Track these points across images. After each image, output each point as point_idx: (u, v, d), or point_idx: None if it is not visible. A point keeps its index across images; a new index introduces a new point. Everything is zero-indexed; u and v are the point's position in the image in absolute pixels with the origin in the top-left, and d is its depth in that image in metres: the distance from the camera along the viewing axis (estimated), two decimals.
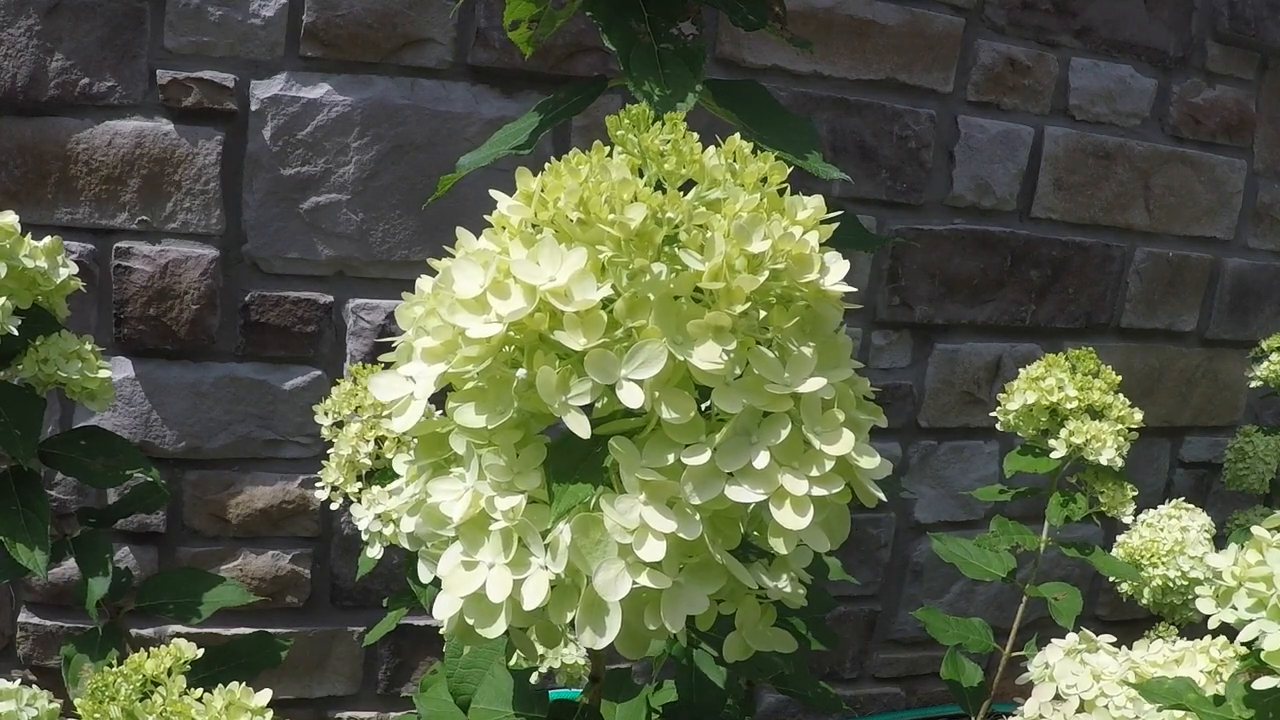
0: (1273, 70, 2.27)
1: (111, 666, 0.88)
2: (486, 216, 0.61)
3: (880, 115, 1.99)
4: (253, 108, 1.67)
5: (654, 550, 0.52)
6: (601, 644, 0.54)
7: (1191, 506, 1.61)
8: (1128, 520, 1.46)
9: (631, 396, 0.51)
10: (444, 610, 0.55)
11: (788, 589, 0.58)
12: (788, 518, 0.54)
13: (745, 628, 0.62)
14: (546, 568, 0.54)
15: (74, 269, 1.20)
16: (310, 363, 1.78)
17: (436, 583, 0.58)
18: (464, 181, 1.10)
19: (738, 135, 0.59)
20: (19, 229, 1.14)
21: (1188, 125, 2.22)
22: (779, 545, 0.55)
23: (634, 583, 0.53)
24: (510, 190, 0.63)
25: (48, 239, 1.17)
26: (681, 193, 0.55)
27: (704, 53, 1.04)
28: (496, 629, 0.54)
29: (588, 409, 0.54)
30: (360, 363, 1.37)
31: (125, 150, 1.63)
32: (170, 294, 1.68)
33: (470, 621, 0.55)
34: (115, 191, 1.64)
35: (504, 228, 0.59)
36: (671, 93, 0.99)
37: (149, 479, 1.29)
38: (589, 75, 1.57)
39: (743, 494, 0.54)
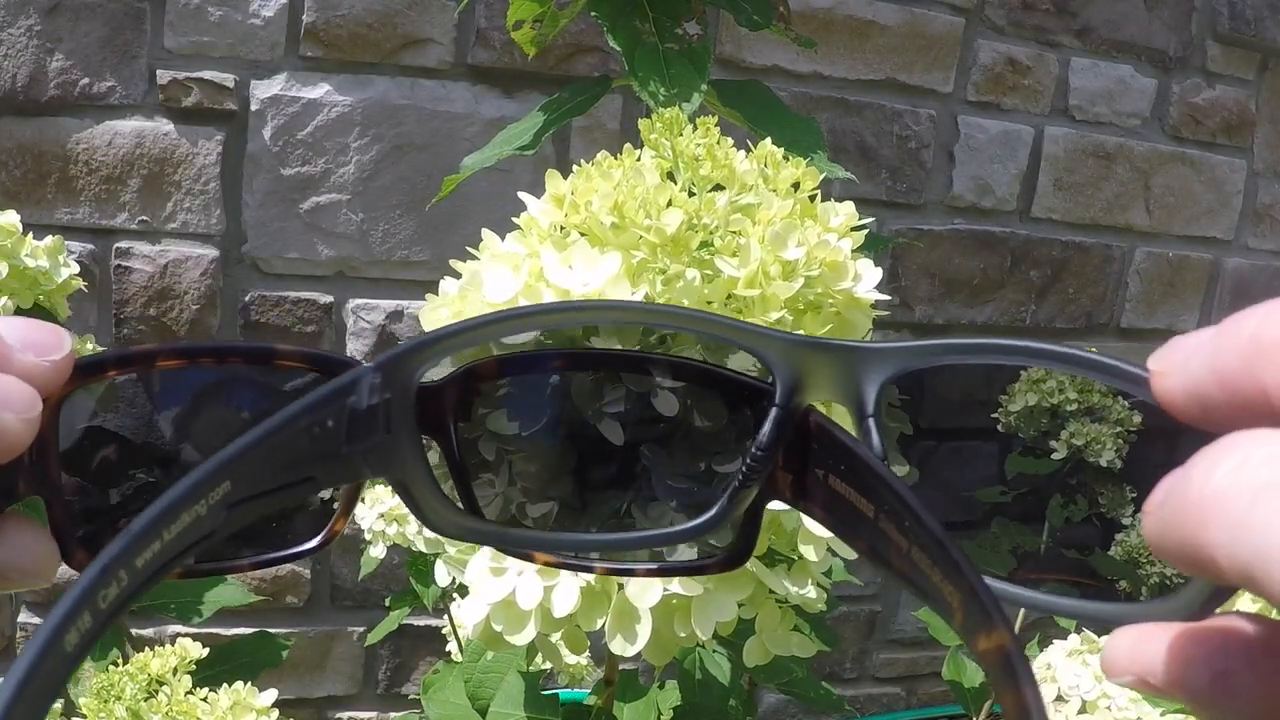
0: (1273, 70, 2.28)
1: (116, 666, 0.88)
2: (515, 219, 0.61)
3: (880, 115, 1.99)
4: (253, 108, 1.66)
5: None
6: (631, 651, 0.53)
7: None
8: (1127, 521, 1.46)
9: (666, 404, 0.51)
10: (471, 617, 0.55)
11: (812, 594, 0.58)
12: (817, 525, 0.54)
13: (765, 632, 0.61)
14: (577, 574, 0.54)
15: (75, 269, 1.19)
16: None
17: (454, 583, 0.57)
18: (464, 182, 1.10)
19: (769, 140, 0.58)
20: (20, 229, 1.14)
21: (1188, 125, 2.22)
22: (809, 552, 0.55)
23: (665, 590, 0.53)
24: (511, 191, 0.63)
25: (49, 239, 1.16)
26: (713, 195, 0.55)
27: (709, 52, 1.04)
28: (525, 636, 0.54)
29: (619, 415, 0.53)
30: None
31: (125, 150, 1.62)
32: (170, 294, 1.68)
33: (498, 628, 0.54)
34: (115, 191, 1.63)
35: (533, 230, 0.59)
36: (677, 92, 0.99)
37: (150, 479, 1.28)
38: (589, 75, 1.57)
39: (775, 502, 0.54)
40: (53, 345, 0.31)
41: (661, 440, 0.39)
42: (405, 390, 0.34)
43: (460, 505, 0.38)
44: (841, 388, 0.34)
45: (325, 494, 0.39)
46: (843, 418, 0.35)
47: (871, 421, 0.34)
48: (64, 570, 1.20)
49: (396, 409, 0.34)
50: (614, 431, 0.39)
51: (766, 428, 0.34)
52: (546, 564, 0.40)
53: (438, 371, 0.36)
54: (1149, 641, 0.29)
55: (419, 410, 0.35)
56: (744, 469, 0.35)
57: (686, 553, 0.40)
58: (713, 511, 0.36)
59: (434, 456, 0.37)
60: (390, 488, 1.18)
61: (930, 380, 0.35)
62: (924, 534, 0.29)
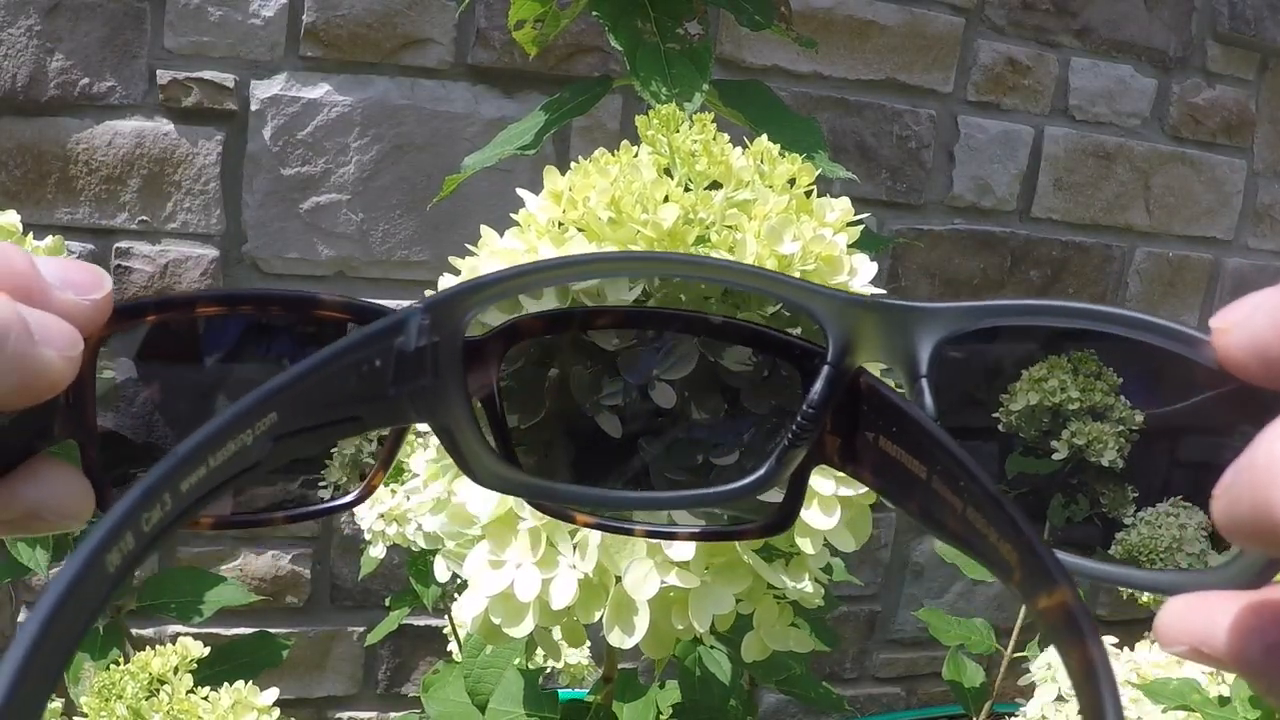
0: (1273, 70, 2.27)
1: (117, 665, 0.88)
2: (514, 217, 0.61)
3: (880, 115, 1.99)
4: (253, 108, 1.66)
5: (683, 549, 0.52)
6: (629, 643, 0.54)
7: (1189, 504, 1.61)
8: (1128, 521, 1.46)
9: (664, 396, 0.51)
10: (470, 610, 0.55)
11: (809, 589, 0.58)
12: (815, 517, 0.54)
13: (764, 627, 0.61)
14: (575, 567, 0.54)
15: None
16: None
17: (454, 583, 0.57)
18: (465, 182, 1.10)
19: (764, 137, 0.58)
20: (20, 228, 1.14)
21: (1188, 125, 2.22)
22: (805, 545, 0.55)
23: (663, 582, 0.53)
24: (512, 191, 0.63)
25: (49, 239, 1.16)
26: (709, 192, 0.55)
27: (710, 52, 1.04)
28: (524, 629, 0.54)
29: (616, 379, 0.53)
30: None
31: (125, 150, 1.62)
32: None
33: (497, 621, 0.54)
34: (115, 191, 1.63)
35: (531, 226, 0.59)
36: (679, 92, 0.99)
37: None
38: (589, 75, 1.56)
39: (771, 494, 0.54)
40: (92, 284, 0.31)
41: (708, 399, 0.38)
42: (454, 335, 0.34)
43: (503, 456, 0.37)
44: (894, 347, 0.34)
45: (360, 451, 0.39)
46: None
47: (925, 382, 0.33)
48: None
49: (444, 353, 0.33)
50: (661, 390, 0.38)
51: (818, 386, 0.34)
52: (585, 524, 0.40)
53: (487, 321, 0.36)
54: (1199, 611, 0.29)
55: (466, 356, 0.35)
56: (794, 429, 0.34)
57: (729, 516, 0.40)
58: (761, 472, 0.36)
59: (479, 405, 0.36)
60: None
61: (937, 376, 0.35)
62: (980, 493, 0.28)
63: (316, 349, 0.33)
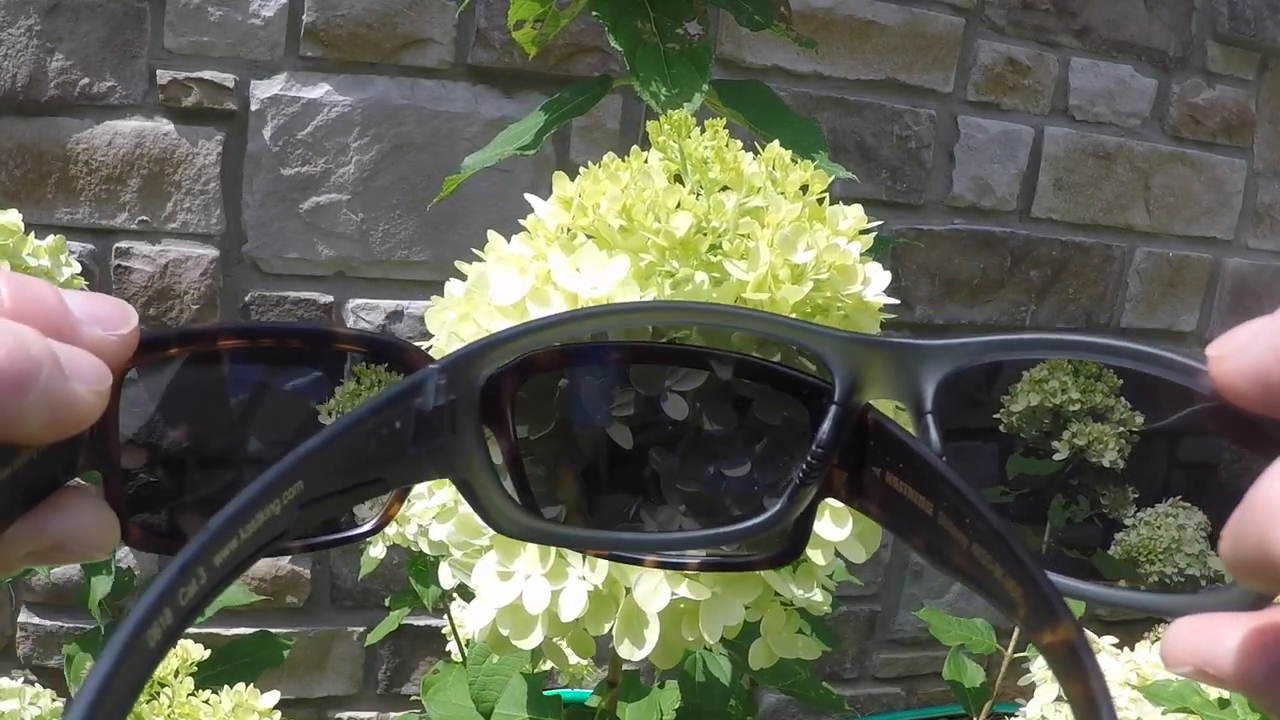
0: (1273, 70, 2.27)
1: None
2: (518, 220, 0.61)
3: (880, 115, 1.99)
4: (253, 108, 1.66)
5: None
6: (639, 655, 0.53)
7: (1189, 504, 1.61)
8: (1128, 522, 1.46)
9: (676, 407, 0.51)
10: (477, 621, 0.55)
11: (818, 598, 0.58)
12: (827, 529, 0.54)
13: (771, 635, 0.61)
14: (585, 579, 0.54)
15: (77, 268, 1.19)
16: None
17: (460, 588, 0.57)
18: (464, 182, 1.10)
19: (777, 142, 0.58)
20: (22, 228, 1.14)
21: (1188, 125, 2.22)
22: (817, 556, 0.55)
23: (673, 594, 0.53)
24: (511, 191, 0.63)
25: (50, 238, 1.16)
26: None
27: (710, 52, 1.04)
28: (533, 640, 0.54)
29: (629, 419, 0.53)
30: (363, 363, 1.36)
31: (125, 150, 1.62)
32: (170, 294, 1.68)
33: (505, 633, 0.54)
34: (115, 191, 1.63)
35: (539, 232, 0.58)
36: (678, 92, 0.99)
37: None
38: (589, 75, 1.56)
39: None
40: (120, 320, 0.32)
41: (720, 438, 0.39)
42: (470, 391, 0.35)
43: (523, 505, 0.38)
44: (899, 385, 0.34)
45: None
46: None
47: (930, 418, 0.34)
48: (64, 573, 1.19)
49: (461, 410, 0.34)
50: (673, 429, 0.39)
51: (826, 425, 0.34)
52: (597, 555, 0.40)
53: (501, 366, 0.36)
54: (1204, 633, 0.30)
55: (483, 412, 0.35)
56: (804, 467, 0.35)
57: (738, 548, 0.41)
58: (774, 510, 0.36)
59: (496, 455, 0.37)
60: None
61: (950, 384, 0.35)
62: (986, 530, 0.29)
63: (333, 381, 0.34)
